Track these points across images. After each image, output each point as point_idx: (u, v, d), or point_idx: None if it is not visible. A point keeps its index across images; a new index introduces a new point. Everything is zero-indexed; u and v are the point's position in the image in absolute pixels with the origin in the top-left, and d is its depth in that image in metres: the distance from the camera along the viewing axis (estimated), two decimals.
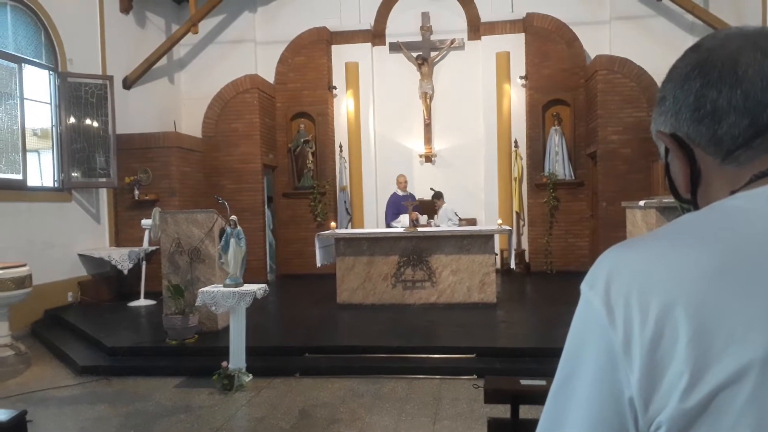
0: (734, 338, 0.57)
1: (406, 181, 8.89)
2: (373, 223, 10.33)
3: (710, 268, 0.60)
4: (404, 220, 8.33)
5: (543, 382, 2.57)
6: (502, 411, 3.13)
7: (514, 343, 5.50)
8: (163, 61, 10.19)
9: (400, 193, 8.73)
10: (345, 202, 10.46)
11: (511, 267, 7.77)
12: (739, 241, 0.61)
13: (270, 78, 10.56)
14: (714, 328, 0.58)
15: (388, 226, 8.64)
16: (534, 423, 0.69)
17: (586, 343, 0.65)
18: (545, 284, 8.93)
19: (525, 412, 2.66)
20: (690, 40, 9.71)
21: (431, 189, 9.09)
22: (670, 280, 0.60)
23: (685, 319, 0.58)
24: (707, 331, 0.58)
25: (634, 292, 0.62)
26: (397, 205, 8.40)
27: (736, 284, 0.58)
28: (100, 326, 6.63)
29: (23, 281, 5.73)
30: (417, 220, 8.55)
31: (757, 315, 0.57)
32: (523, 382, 2.63)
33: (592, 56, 9.76)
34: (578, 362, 0.66)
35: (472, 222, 9.94)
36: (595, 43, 9.94)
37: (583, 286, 0.67)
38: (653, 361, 0.60)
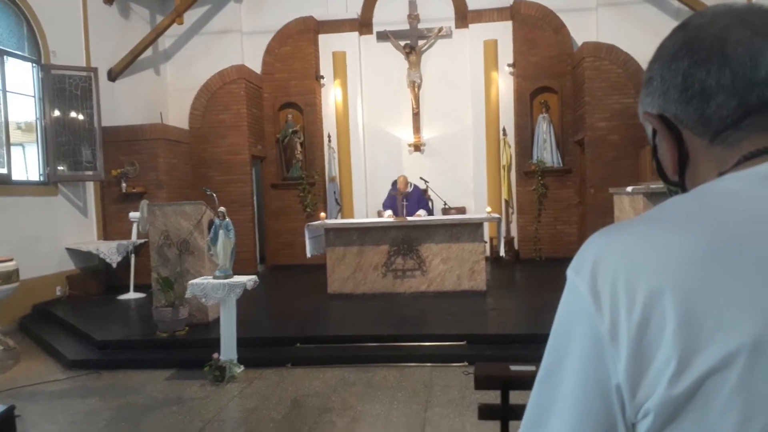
0: (722, 324, 0.56)
1: (405, 182, 8.62)
2: (363, 213, 10.31)
3: (698, 253, 0.59)
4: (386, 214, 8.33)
5: (533, 368, 2.57)
6: (493, 397, 3.14)
7: (504, 330, 5.53)
8: (149, 52, 10.06)
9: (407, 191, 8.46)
10: (334, 192, 10.43)
11: (501, 255, 7.81)
12: (727, 225, 0.60)
13: (257, 68, 10.47)
14: (702, 314, 0.57)
15: None
16: (523, 408, 0.68)
17: (571, 330, 0.64)
18: (534, 271, 8.97)
19: (515, 397, 2.67)
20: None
21: (421, 179, 9.08)
22: (658, 265, 0.59)
23: (672, 304, 0.57)
24: (695, 317, 0.57)
25: (621, 278, 0.61)
26: (391, 200, 8.33)
27: (725, 269, 0.57)
28: (90, 320, 6.58)
29: (10, 276, 5.67)
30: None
31: (745, 300, 0.56)
32: (513, 367, 2.64)
33: (579, 43, 9.75)
34: (564, 349, 0.65)
35: (462, 210, 9.94)
36: (582, 30, 9.93)
37: (569, 272, 0.66)
38: (640, 347, 0.58)
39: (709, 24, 0.70)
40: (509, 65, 10.23)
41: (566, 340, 0.65)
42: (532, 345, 4.97)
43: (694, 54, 0.69)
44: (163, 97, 10.64)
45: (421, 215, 7.92)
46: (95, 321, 6.55)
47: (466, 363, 5.00)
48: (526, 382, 2.48)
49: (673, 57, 0.71)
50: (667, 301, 0.57)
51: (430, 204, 9.91)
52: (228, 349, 4.97)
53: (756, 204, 0.61)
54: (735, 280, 0.57)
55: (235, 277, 5.16)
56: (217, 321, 5.30)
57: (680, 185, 0.74)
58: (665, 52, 0.72)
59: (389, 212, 8.15)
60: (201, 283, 5.08)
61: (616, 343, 0.60)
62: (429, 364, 5.09)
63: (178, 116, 10.26)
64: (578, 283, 0.64)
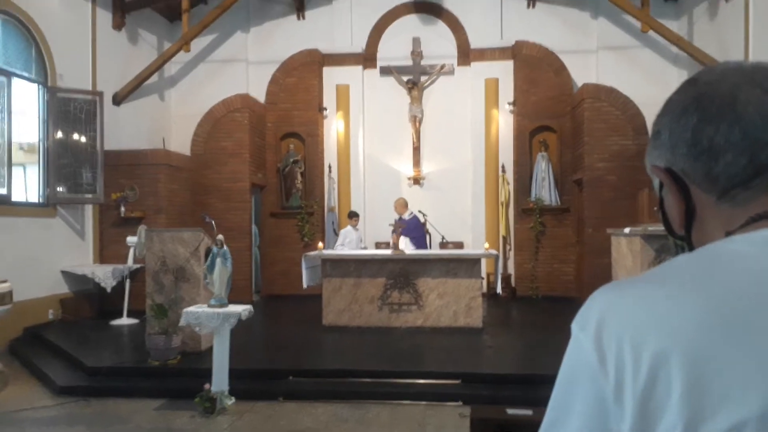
0: (729, 394, 0.55)
1: (403, 205, 8.71)
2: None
3: (706, 318, 0.58)
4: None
5: (530, 412, 2.53)
6: None
7: (499, 369, 5.46)
8: (154, 78, 10.19)
9: (403, 216, 8.58)
10: (333, 222, 10.43)
11: (498, 291, 7.76)
12: (735, 289, 0.59)
13: (261, 98, 10.59)
14: (709, 381, 0.56)
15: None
16: None
17: (575, 387, 0.63)
18: (531, 309, 8.93)
19: None
20: (674, 71, 9.91)
21: (420, 212, 9.10)
22: (665, 328, 0.59)
23: (679, 370, 0.57)
24: (702, 385, 0.56)
25: (627, 338, 0.60)
26: (410, 232, 8.34)
27: (732, 336, 0.57)
28: (81, 345, 6.50)
29: (3, 298, 5.61)
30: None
31: (753, 370, 0.55)
32: (510, 411, 2.59)
33: (579, 84, 9.90)
34: (567, 407, 0.64)
35: (459, 245, 9.95)
36: (582, 72, 10.10)
37: (574, 327, 0.65)
38: (646, 410, 0.58)
39: (720, 80, 0.70)
40: (509, 103, 10.37)
41: (570, 397, 0.64)
42: (528, 386, 4.92)
43: (704, 110, 0.69)
44: (167, 122, 10.73)
45: (401, 245, 7.98)
46: (86, 346, 6.47)
47: (460, 402, 4.92)
48: (523, 428, 2.43)
49: (682, 112, 0.71)
50: (674, 365, 0.57)
51: (427, 237, 9.93)
52: (220, 380, 4.90)
53: (765, 269, 0.61)
54: (743, 348, 0.56)
55: (230, 306, 5.12)
56: (209, 350, 5.23)
57: (686, 240, 0.74)
58: (675, 106, 0.72)
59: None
60: (195, 311, 5.03)
61: (621, 404, 0.59)
62: (423, 403, 5.01)
63: (181, 142, 10.32)
64: (583, 339, 0.63)
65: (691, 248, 0.72)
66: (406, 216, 8.57)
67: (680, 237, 0.74)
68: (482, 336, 6.85)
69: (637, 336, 0.59)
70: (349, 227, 9.02)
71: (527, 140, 10.18)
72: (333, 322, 7.33)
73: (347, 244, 8.79)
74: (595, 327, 0.62)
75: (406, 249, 8.05)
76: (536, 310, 8.80)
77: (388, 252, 7.60)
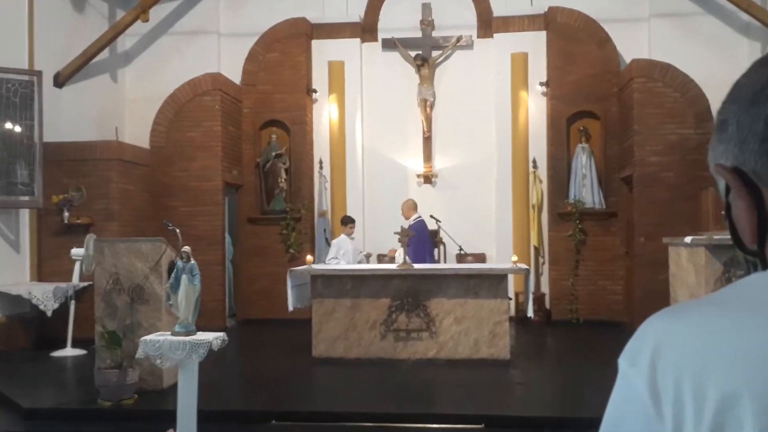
0: None
1: (410, 208, 8.78)
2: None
3: None
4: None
5: None
6: None
7: (531, 411, 5.45)
8: (105, 54, 10.22)
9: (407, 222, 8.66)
10: (324, 230, 10.45)
11: (528, 315, 7.74)
12: None
13: (236, 78, 10.63)
14: None
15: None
16: None
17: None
18: (570, 337, 8.93)
19: None
20: (744, 44, 9.91)
21: (432, 217, 9.11)
22: (733, 364, 0.59)
23: (751, 415, 0.57)
24: None
25: (687, 376, 0.60)
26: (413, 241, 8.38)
27: None
28: (15, 382, 6.50)
29: None
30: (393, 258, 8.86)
31: None
32: None
33: (628, 60, 9.92)
34: None
35: (481, 258, 9.95)
36: (631, 45, 10.12)
37: (622, 362, 0.66)
38: None
39: None
40: (542, 84, 10.39)
41: None
42: None
43: None
44: (120, 108, 10.77)
45: (396, 254, 7.97)
46: (22, 383, 6.46)
47: None
48: None
49: (753, 99, 0.70)
50: (745, 409, 0.57)
51: (441, 248, 9.94)
52: (186, 424, 4.90)
53: None
54: None
55: (199, 333, 5.12)
56: (173, 388, 5.23)
57: (759, 256, 0.72)
58: (744, 92, 0.72)
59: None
60: (156, 340, 5.04)
61: None
62: None
63: (138, 133, 10.34)
64: (634, 376, 0.64)
65: (765, 266, 0.70)
66: (412, 220, 8.62)
67: (752, 252, 0.72)
68: (510, 370, 6.84)
69: (700, 373, 0.59)
70: (343, 236, 9.04)
71: (564, 129, 10.19)
72: (325, 353, 7.32)
73: (342, 256, 8.81)
74: (649, 361, 0.63)
75: (400, 257, 8.10)
76: (576, 338, 8.79)
77: (392, 266, 7.61)
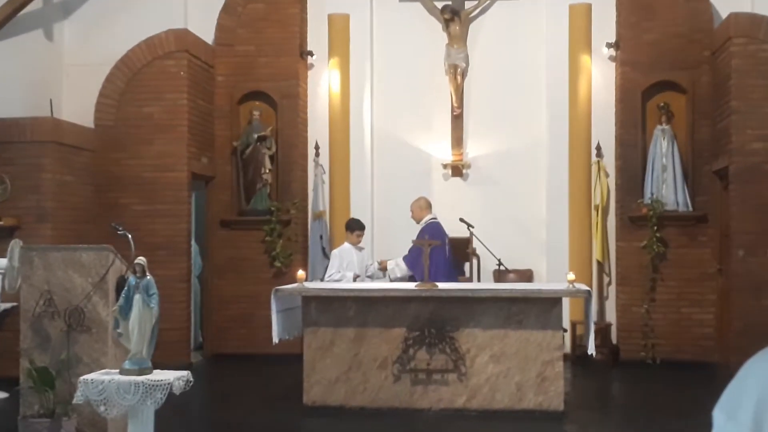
0: None
1: (422, 207, 8.82)
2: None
3: None
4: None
5: None
6: None
7: None
8: (37, 4, 10.25)
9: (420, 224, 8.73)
10: (321, 237, 10.45)
11: (589, 352, 7.69)
12: None
13: (208, 37, 10.66)
14: None
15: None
16: None
17: None
18: (643, 382, 8.88)
19: None
20: None
21: (462, 221, 9.09)
22: None
23: None
24: None
25: None
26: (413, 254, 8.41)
27: None
28: None
29: None
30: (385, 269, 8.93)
31: None
32: None
33: (724, 15, 9.86)
34: None
35: (527, 276, 9.92)
36: None
37: (718, 415, 0.67)
38: None
39: None
40: (609, 45, 10.36)
41: None
42: None
43: None
44: (57, 76, 10.78)
45: (389, 264, 7.96)
46: None
47: None
48: None
49: None
50: None
51: (473, 262, 9.90)
52: None
53: None
54: None
55: (155, 372, 5.14)
56: None
57: None
58: None
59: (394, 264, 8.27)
60: (100, 380, 5.06)
61: None
62: None
63: (79, 108, 10.35)
64: None
65: None
66: (423, 222, 8.64)
67: None
68: (563, 426, 6.82)
69: None
70: (347, 245, 9.04)
71: (638, 105, 10.13)
72: (320, 399, 7.31)
73: (346, 268, 8.81)
74: (753, 415, 0.63)
75: (395, 271, 8.14)
76: (651, 384, 8.73)
77: (410, 286, 7.60)
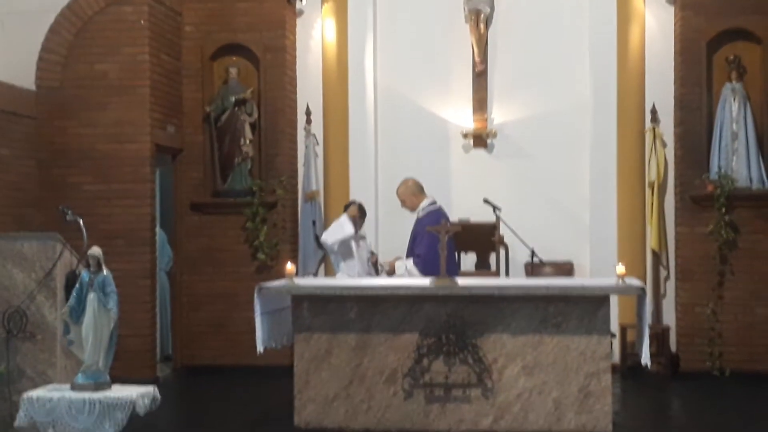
0: None
1: (412, 191, 8.71)
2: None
3: None
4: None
5: None
6: None
7: None
8: None
9: (417, 213, 8.67)
10: (314, 223, 10.47)
11: (643, 362, 7.69)
12: None
13: None
14: None
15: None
16: None
17: None
18: (709, 397, 8.89)
19: None
20: None
21: (486, 202, 9.07)
22: None
23: None
24: None
25: None
26: (426, 239, 8.37)
27: None
28: None
29: None
30: (376, 263, 9.06)
31: None
32: None
33: None
34: None
35: (566, 270, 9.95)
36: None
37: None
38: None
39: None
40: None
41: None
42: None
43: None
44: None
45: (398, 269, 8.07)
46: None
47: None
48: None
49: None
50: None
51: (500, 253, 9.90)
52: None
53: None
54: None
55: (115, 387, 5.15)
56: None
57: None
58: None
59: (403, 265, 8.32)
60: (47, 397, 5.08)
61: None
62: None
63: (15, 65, 10.35)
64: None
65: None
66: (421, 210, 8.53)
67: None
68: None
69: None
70: (344, 217, 8.97)
71: (703, 59, 10.09)
72: (315, 420, 7.33)
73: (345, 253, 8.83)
74: None
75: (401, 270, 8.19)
76: (719, 400, 8.75)
77: (424, 282, 7.60)
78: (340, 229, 8.84)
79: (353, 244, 8.93)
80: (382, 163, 10.77)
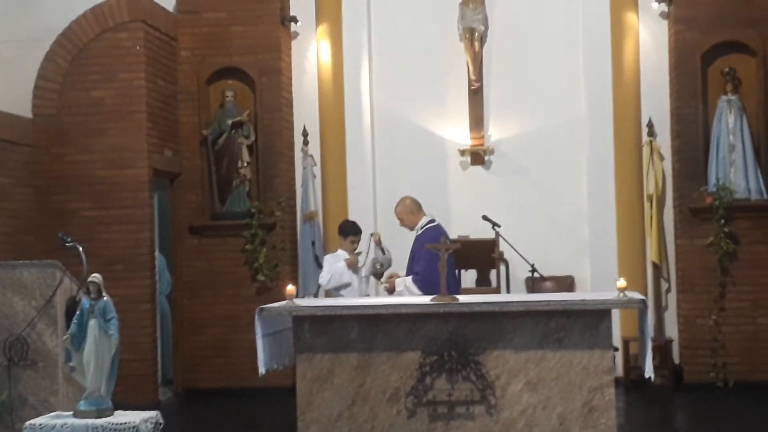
0: None
1: (409, 210, 8.71)
2: (371, 286, 10.28)
3: None
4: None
5: None
6: None
7: None
8: None
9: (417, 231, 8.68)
10: (313, 243, 10.46)
11: (646, 375, 7.69)
12: None
13: (168, 3, 10.67)
14: None
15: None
16: None
17: None
18: (713, 409, 8.88)
19: None
20: None
21: (485, 219, 9.07)
22: None
23: None
24: None
25: None
26: (425, 257, 8.36)
27: None
28: None
29: None
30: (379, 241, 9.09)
31: None
32: None
33: None
34: None
35: (567, 284, 9.94)
36: None
37: None
38: None
39: None
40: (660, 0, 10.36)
41: None
42: None
43: None
44: None
45: (399, 286, 8.08)
46: None
47: None
48: None
49: None
50: None
51: (501, 269, 9.89)
52: None
53: None
54: None
55: (117, 413, 5.13)
56: None
57: None
58: None
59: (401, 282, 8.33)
60: (50, 424, 5.06)
61: None
62: None
63: (12, 93, 10.37)
64: None
65: None
66: (420, 228, 8.54)
67: None
68: None
69: None
70: (340, 252, 9.03)
71: (698, 72, 10.12)
72: None
73: (338, 278, 8.86)
74: None
75: (403, 294, 8.17)
76: (724, 412, 8.73)
77: (424, 300, 7.59)
78: (339, 277, 8.92)
79: (354, 277, 8.96)
80: (379, 182, 10.78)
